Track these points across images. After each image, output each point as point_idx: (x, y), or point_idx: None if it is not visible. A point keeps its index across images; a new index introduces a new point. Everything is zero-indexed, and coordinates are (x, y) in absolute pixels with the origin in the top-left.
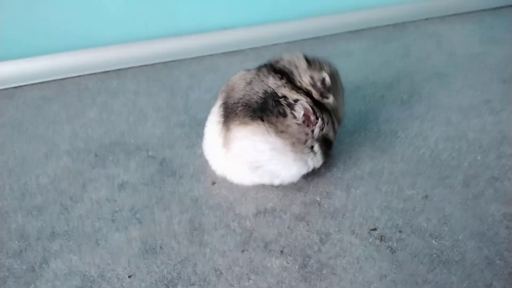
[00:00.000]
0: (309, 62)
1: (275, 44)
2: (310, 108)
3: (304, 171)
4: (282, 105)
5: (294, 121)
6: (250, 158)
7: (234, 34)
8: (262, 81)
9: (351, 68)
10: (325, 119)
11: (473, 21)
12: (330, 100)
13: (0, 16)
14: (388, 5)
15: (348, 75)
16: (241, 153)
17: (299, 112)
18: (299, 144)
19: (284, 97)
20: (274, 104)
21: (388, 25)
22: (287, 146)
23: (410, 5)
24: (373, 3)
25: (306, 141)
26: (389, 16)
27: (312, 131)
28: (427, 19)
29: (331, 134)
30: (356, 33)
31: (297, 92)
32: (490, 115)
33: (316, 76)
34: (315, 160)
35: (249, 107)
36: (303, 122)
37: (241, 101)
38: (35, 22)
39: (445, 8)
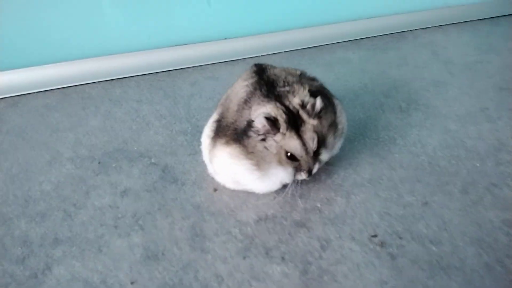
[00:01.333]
0: (303, 83)
1: (275, 53)
2: (265, 120)
3: (274, 187)
4: (251, 126)
5: (258, 138)
6: (228, 175)
7: (235, 43)
8: (250, 108)
9: (350, 76)
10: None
11: (469, 30)
12: (315, 122)
13: (4, 26)
14: (385, 15)
15: (347, 83)
16: (221, 171)
17: (259, 123)
18: (264, 163)
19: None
20: (247, 127)
21: (385, 35)
22: (253, 166)
23: (407, 15)
24: (371, 13)
25: (270, 158)
26: (387, 25)
27: (275, 141)
28: (424, 28)
29: (304, 157)
30: (354, 42)
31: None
32: (488, 122)
33: (307, 99)
34: (285, 176)
35: (236, 131)
36: (267, 133)
37: (232, 125)
38: (39, 32)
39: (441, 17)
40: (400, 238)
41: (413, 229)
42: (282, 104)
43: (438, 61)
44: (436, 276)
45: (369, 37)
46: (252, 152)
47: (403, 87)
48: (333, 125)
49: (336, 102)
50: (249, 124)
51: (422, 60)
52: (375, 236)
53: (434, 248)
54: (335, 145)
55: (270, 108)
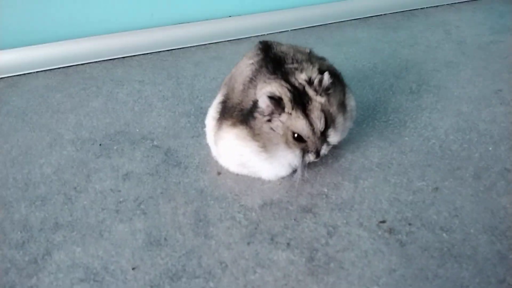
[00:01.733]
0: (312, 61)
1: (281, 32)
2: (268, 100)
3: (283, 171)
4: (256, 107)
5: (264, 119)
6: (234, 158)
7: (240, 21)
8: (255, 87)
9: (359, 56)
10: (306, 115)
11: (483, 8)
12: (322, 99)
13: (3, 4)
14: None
15: (356, 64)
16: (227, 153)
17: (263, 103)
18: (271, 145)
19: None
20: (253, 108)
21: (396, 13)
22: (260, 148)
23: None
24: None
25: (277, 139)
26: (397, 3)
27: (282, 122)
28: (436, 6)
29: (311, 138)
30: (363, 20)
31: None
32: (502, 105)
33: (314, 75)
34: (293, 159)
35: (242, 112)
36: (272, 113)
37: (238, 106)
38: (39, 10)
39: None
40: (410, 224)
41: (423, 216)
42: (288, 81)
43: (450, 41)
44: (446, 264)
45: (379, 15)
46: (259, 134)
47: (414, 68)
48: (343, 105)
49: (346, 87)
50: (255, 104)
51: (434, 40)
52: (383, 222)
53: (444, 235)
54: (345, 127)
55: (275, 87)
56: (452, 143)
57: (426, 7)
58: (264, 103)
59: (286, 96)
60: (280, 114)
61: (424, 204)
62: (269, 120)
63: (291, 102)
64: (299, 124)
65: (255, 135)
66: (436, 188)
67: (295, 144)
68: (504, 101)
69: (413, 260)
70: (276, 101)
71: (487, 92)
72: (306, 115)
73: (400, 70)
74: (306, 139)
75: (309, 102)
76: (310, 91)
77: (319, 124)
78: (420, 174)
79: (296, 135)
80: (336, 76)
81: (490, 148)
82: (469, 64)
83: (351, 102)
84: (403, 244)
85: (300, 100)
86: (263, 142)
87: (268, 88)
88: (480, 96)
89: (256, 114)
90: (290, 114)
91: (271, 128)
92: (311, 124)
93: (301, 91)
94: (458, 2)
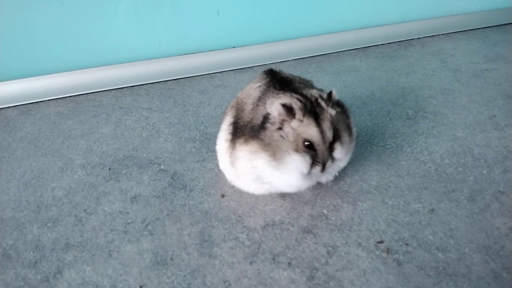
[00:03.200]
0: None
1: (283, 61)
2: (281, 107)
3: (293, 178)
4: (267, 119)
5: (274, 127)
6: (250, 172)
7: (243, 52)
8: (265, 103)
9: (357, 84)
10: (317, 122)
11: (477, 37)
12: (333, 112)
13: (17, 35)
14: (393, 23)
15: (355, 91)
16: (243, 170)
17: (275, 111)
18: (279, 152)
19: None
20: (264, 121)
21: (393, 43)
22: (269, 157)
23: (415, 22)
24: (378, 21)
25: (287, 146)
26: (394, 33)
27: (293, 129)
28: (432, 36)
29: (322, 147)
30: (361, 50)
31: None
32: (496, 130)
33: (323, 93)
34: (302, 165)
35: (253, 128)
36: (283, 121)
37: (249, 124)
38: (52, 40)
39: (449, 25)
40: (407, 244)
41: (420, 236)
42: (298, 93)
43: (446, 69)
44: (442, 283)
45: (377, 45)
46: (269, 144)
47: (410, 95)
48: (348, 127)
49: (348, 111)
50: (265, 117)
51: (430, 68)
52: (381, 242)
53: (440, 255)
54: (349, 147)
55: (286, 99)
56: (448, 166)
57: (422, 37)
58: (276, 111)
59: (296, 104)
60: (291, 120)
61: (421, 225)
62: (280, 128)
63: (301, 110)
64: (311, 131)
65: (266, 145)
66: (432, 210)
67: (306, 151)
68: (498, 126)
69: (409, 278)
70: (288, 108)
71: (481, 117)
72: (319, 123)
73: (397, 97)
74: (316, 147)
75: (322, 112)
76: (322, 102)
77: (329, 134)
78: (416, 196)
79: (307, 143)
80: (340, 105)
81: (484, 172)
82: (464, 91)
83: (354, 128)
84: (400, 264)
85: (313, 109)
86: (273, 151)
87: (279, 100)
88: (475, 121)
89: (267, 125)
90: (302, 121)
91: (281, 136)
92: (322, 132)
93: (313, 102)
94: (453, 32)
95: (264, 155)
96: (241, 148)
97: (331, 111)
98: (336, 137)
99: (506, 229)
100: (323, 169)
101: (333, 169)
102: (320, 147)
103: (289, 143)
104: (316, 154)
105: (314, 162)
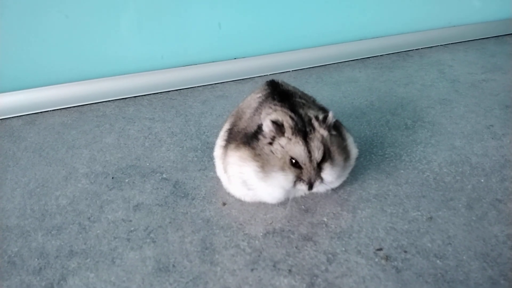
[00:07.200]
0: (318, 106)
1: (283, 72)
2: (271, 123)
3: (277, 193)
4: (261, 129)
5: (265, 141)
6: (240, 178)
7: (244, 63)
8: (261, 113)
9: (356, 94)
10: (305, 142)
11: (475, 48)
12: (325, 133)
13: (22, 46)
14: (392, 34)
15: (354, 102)
16: (235, 176)
17: (266, 127)
18: (268, 165)
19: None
20: (258, 130)
21: (392, 54)
22: (258, 168)
23: (413, 34)
24: (377, 32)
25: (275, 162)
26: (393, 45)
27: (281, 146)
28: (430, 47)
29: (307, 166)
30: (361, 61)
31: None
32: (493, 139)
33: (320, 114)
34: (284, 182)
35: (246, 135)
36: (273, 137)
37: (243, 131)
38: (56, 52)
39: (447, 36)
40: (405, 252)
41: (418, 244)
42: (294, 111)
43: (444, 80)
44: None
45: (376, 56)
46: (259, 155)
47: (409, 105)
48: (345, 151)
49: (347, 134)
50: (260, 127)
51: (429, 79)
52: (380, 249)
53: (438, 262)
54: (342, 171)
55: (279, 115)
56: (446, 175)
57: (421, 48)
58: (267, 127)
59: (287, 122)
60: (280, 138)
61: (419, 233)
62: (271, 143)
63: (291, 128)
64: (297, 150)
65: (256, 155)
66: (430, 218)
67: (290, 169)
68: (495, 136)
69: (408, 285)
70: (278, 125)
71: (479, 127)
72: (306, 142)
73: (396, 107)
74: (302, 165)
75: (312, 132)
76: (315, 123)
77: (317, 154)
78: (415, 204)
79: (293, 161)
80: (337, 127)
81: (482, 180)
82: (462, 101)
83: (353, 150)
84: (399, 271)
85: (303, 128)
86: (262, 163)
87: (273, 115)
88: (473, 131)
89: (260, 136)
90: (290, 139)
91: (271, 151)
92: (309, 151)
93: (306, 121)
94: (451, 43)
95: (253, 164)
96: (232, 153)
97: (323, 132)
98: (327, 158)
99: (504, 236)
100: (310, 188)
101: (323, 187)
102: (306, 166)
103: (277, 159)
104: (301, 172)
105: (299, 179)
